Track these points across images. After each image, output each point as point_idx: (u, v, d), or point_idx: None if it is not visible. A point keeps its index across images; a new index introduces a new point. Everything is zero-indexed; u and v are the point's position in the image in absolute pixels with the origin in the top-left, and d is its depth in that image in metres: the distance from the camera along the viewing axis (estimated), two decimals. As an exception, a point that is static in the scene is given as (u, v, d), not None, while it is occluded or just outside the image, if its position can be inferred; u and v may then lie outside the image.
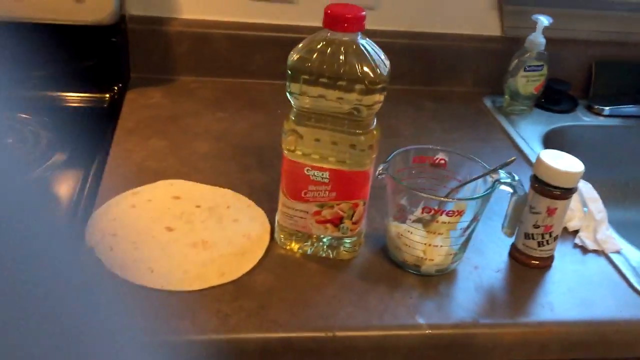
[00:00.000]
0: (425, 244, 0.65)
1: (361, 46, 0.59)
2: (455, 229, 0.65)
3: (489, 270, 0.69)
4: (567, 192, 0.66)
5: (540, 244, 0.69)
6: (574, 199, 0.74)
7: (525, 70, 1.02)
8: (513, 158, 0.65)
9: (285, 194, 0.66)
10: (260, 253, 0.67)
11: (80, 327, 0.24)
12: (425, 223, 0.65)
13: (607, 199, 0.81)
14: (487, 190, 0.64)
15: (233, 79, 1.04)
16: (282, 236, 0.69)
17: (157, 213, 0.71)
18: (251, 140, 0.89)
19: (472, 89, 1.11)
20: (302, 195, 0.65)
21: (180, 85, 1.02)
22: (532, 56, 1.02)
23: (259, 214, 0.73)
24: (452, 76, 1.10)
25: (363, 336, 0.60)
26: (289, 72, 0.60)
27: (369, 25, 0.61)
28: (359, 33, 0.59)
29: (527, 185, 0.67)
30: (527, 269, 0.70)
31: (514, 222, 0.68)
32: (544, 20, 0.99)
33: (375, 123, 0.63)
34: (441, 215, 0.63)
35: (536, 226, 0.68)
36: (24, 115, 0.88)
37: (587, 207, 0.78)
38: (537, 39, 1.01)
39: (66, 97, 0.95)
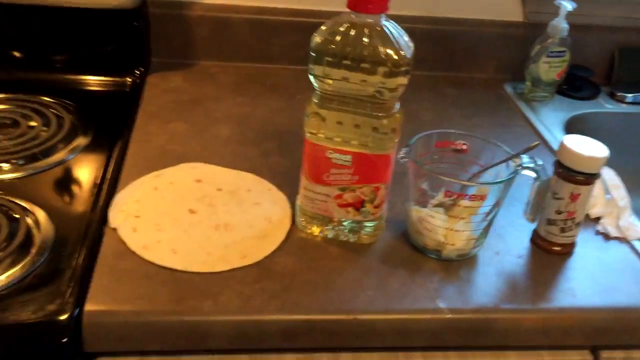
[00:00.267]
0: (446, 228, 0.65)
1: (385, 28, 0.58)
2: (477, 214, 0.64)
3: (510, 255, 0.69)
4: (590, 178, 0.66)
5: (562, 230, 0.68)
6: (597, 186, 0.73)
7: (547, 56, 1.01)
8: (537, 142, 0.65)
9: (307, 177, 0.66)
10: (281, 236, 0.68)
11: None
12: (446, 207, 0.65)
13: (630, 187, 0.80)
14: (509, 175, 0.64)
15: (253, 63, 1.04)
16: (303, 220, 0.69)
17: (179, 196, 0.72)
18: (272, 124, 0.89)
19: (493, 75, 1.10)
20: (324, 178, 0.65)
21: (200, 70, 1.02)
22: (554, 42, 1.00)
23: (280, 197, 0.73)
24: (472, 62, 1.09)
25: (384, 319, 0.60)
26: (312, 54, 0.59)
27: (389, 10, 0.61)
28: (383, 15, 0.59)
29: (549, 171, 0.67)
30: (548, 255, 0.69)
31: (536, 207, 0.68)
32: (567, 6, 0.98)
33: (398, 106, 0.63)
34: (463, 199, 0.63)
35: (559, 212, 0.67)
36: (47, 99, 0.89)
37: (609, 194, 0.78)
38: (560, 25, 0.99)
39: (88, 81, 0.95)
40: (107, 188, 0.72)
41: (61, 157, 0.77)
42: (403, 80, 0.59)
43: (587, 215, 0.75)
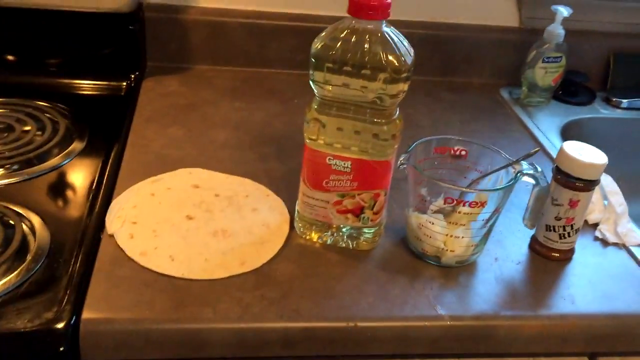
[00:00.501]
0: (446, 234, 0.65)
1: (386, 34, 0.58)
2: (476, 220, 0.64)
3: (509, 262, 0.69)
4: (590, 184, 0.66)
5: (561, 237, 0.68)
6: (595, 192, 0.73)
7: (543, 61, 1.01)
8: (537, 149, 0.65)
9: (306, 183, 0.66)
10: (280, 242, 0.67)
11: None
12: (446, 214, 0.65)
13: (626, 192, 0.81)
14: (509, 182, 0.64)
15: (249, 68, 1.04)
16: (301, 226, 0.68)
17: (176, 201, 0.71)
18: (269, 129, 0.89)
19: (489, 80, 1.10)
20: (324, 184, 0.64)
21: (196, 74, 1.02)
22: (550, 47, 1.01)
23: (278, 203, 0.73)
24: (469, 67, 1.09)
25: (385, 327, 0.60)
26: (313, 60, 0.59)
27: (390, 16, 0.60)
28: (384, 21, 0.59)
29: (547, 177, 0.67)
30: (547, 261, 0.69)
31: (535, 214, 0.68)
32: (563, 11, 0.98)
33: (398, 112, 0.63)
34: (463, 206, 0.63)
35: (558, 218, 0.67)
36: (41, 103, 0.88)
37: (607, 200, 0.78)
38: (556, 30, 1.00)
39: (83, 85, 0.95)
40: (103, 193, 0.71)
41: (56, 162, 0.77)
42: (404, 86, 0.59)
43: (585, 221, 0.75)
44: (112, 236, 0.65)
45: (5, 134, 0.81)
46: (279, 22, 1.02)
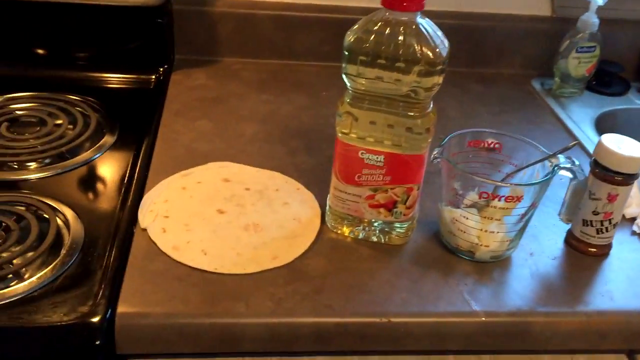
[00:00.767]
0: (480, 229, 0.64)
1: (420, 26, 0.57)
2: (511, 215, 0.63)
3: (545, 257, 0.68)
4: (629, 178, 0.64)
5: (599, 232, 0.67)
6: (634, 185, 0.71)
7: (577, 51, 0.99)
8: (575, 142, 0.64)
9: (338, 177, 0.65)
10: (311, 237, 0.67)
11: None
12: (480, 208, 0.64)
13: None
14: (546, 176, 0.62)
15: (277, 60, 1.04)
16: (333, 220, 0.68)
17: (207, 195, 0.71)
18: (297, 122, 0.88)
19: (520, 70, 1.08)
20: (356, 178, 0.64)
21: (224, 67, 1.01)
22: (584, 37, 0.98)
23: (309, 197, 0.73)
24: (499, 58, 1.08)
25: (418, 322, 0.59)
26: (346, 53, 0.58)
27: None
28: (418, 12, 0.58)
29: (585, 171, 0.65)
30: (584, 256, 0.68)
31: (572, 208, 0.66)
32: (598, 0, 0.96)
33: (432, 106, 0.62)
34: (498, 200, 0.61)
35: (595, 213, 0.66)
36: (72, 97, 0.88)
37: (644, 194, 0.76)
38: (590, 19, 0.97)
39: (112, 79, 0.95)
40: (135, 187, 0.72)
41: (88, 156, 0.77)
42: (438, 79, 0.58)
43: (622, 216, 0.73)
44: (144, 230, 0.65)
45: (38, 128, 0.81)
46: (306, 13, 1.02)
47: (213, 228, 0.66)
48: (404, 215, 0.65)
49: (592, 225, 0.66)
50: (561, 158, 0.63)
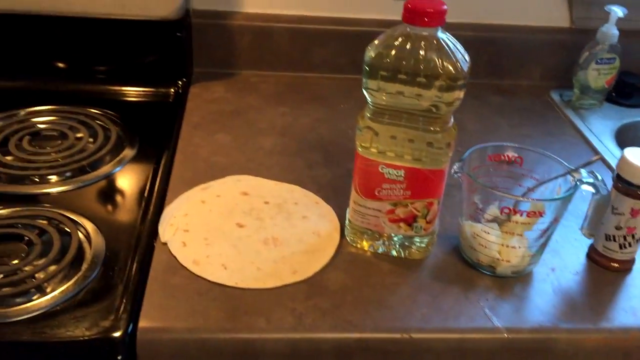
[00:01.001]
0: (501, 244, 0.63)
1: (441, 41, 0.57)
2: (532, 230, 0.63)
3: (567, 272, 0.67)
4: (653, 193, 0.63)
5: (621, 247, 0.66)
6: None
7: (596, 63, 0.98)
8: (598, 157, 0.63)
9: (357, 191, 0.65)
10: (331, 251, 0.67)
11: None
12: (500, 223, 0.63)
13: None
14: (568, 191, 0.62)
15: (294, 72, 1.04)
16: (352, 234, 0.68)
17: (226, 209, 0.71)
18: (315, 135, 0.89)
19: (538, 82, 1.08)
20: (376, 193, 0.63)
21: (242, 80, 1.02)
22: (604, 48, 0.98)
23: (328, 211, 0.73)
24: (518, 69, 1.07)
25: (440, 338, 0.59)
26: (366, 68, 0.58)
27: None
28: (439, 27, 0.58)
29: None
30: (606, 271, 0.67)
31: (594, 223, 0.66)
32: (618, 12, 0.95)
33: (452, 120, 0.61)
34: (520, 215, 0.61)
35: (618, 227, 0.65)
36: (92, 110, 0.89)
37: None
38: (610, 31, 0.97)
39: (131, 92, 0.96)
40: (155, 201, 0.72)
41: (109, 169, 0.78)
42: (459, 94, 0.58)
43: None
44: (165, 244, 0.66)
45: (59, 142, 0.82)
46: (323, 26, 1.02)
47: (233, 242, 0.66)
48: (424, 229, 0.65)
49: (614, 240, 0.66)
50: (583, 172, 0.62)
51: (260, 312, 0.58)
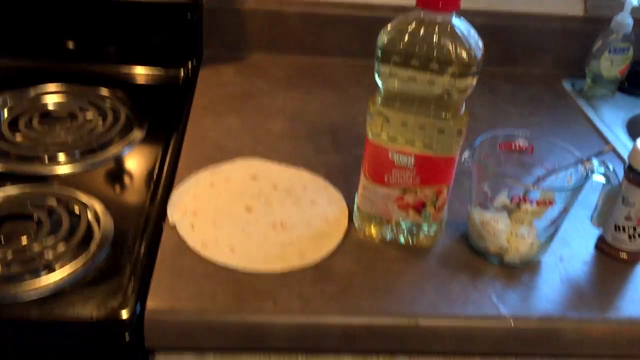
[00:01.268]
0: (510, 233, 0.63)
1: (455, 27, 0.57)
2: (541, 219, 0.62)
3: (575, 262, 0.67)
4: (664, 184, 0.63)
5: (631, 237, 0.65)
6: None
7: (610, 52, 0.97)
8: (609, 147, 0.62)
9: (367, 177, 0.65)
10: (339, 237, 0.67)
11: None
12: (510, 211, 0.63)
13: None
14: (579, 181, 0.61)
15: (305, 56, 1.03)
16: (360, 220, 0.68)
17: (235, 192, 0.71)
18: (325, 120, 0.88)
19: (550, 71, 1.07)
20: (385, 179, 0.63)
21: (252, 63, 1.01)
22: (617, 37, 0.97)
23: (336, 196, 0.72)
24: (529, 57, 1.06)
25: (446, 325, 0.59)
26: (379, 53, 0.58)
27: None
28: (454, 13, 0.57)
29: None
30: (615, 262, 0.67)
31: (604, 213, 0.65)
32: (633, 0, 0.94)
33: (464, 107, 0.61)
34: (530, 204, 0.61)
35: (628, 218, 0.65)
36: (102, 91, 0.89)
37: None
38: (625, 20, 0.96)
39: (141, 74, 0.96)
40: (164, 183, 0.72)
41: (118, 150, 0.78)
42: (472, 80, 0.57)
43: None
44: (173, 226, 0.66)
45: (69, 122, 0.82)
46: (334, 10, 1.01)
47: (241, 225, 0.66)
48: (433, 217, 0.65)
49: (624, 231, 0.65)
50: (595, 162, 0.62)
51: (268, 296, 0.59)
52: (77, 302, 0.57)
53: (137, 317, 0.56)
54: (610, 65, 0.98)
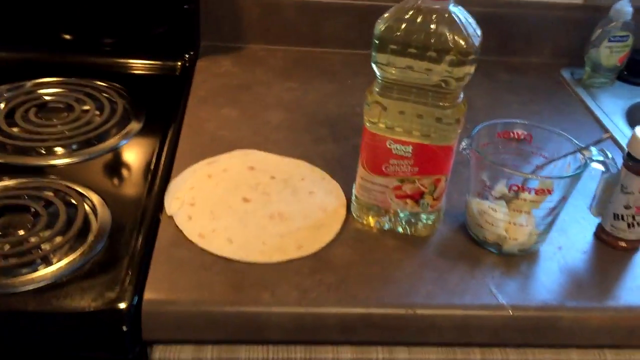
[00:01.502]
0: (508, 222, 0.63)
1: (453, 14, 0.56)
2: (540, 208, 0.62)
3: (574, 251, 0.67)
4: (664, 172, 0.62)
5: (630, 226, 0.65)
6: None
7: (609, 40, 0.97)
8: (608, 134, 0.62)
9: (364, 167, 0.64)
10: (337, 227, 0.66)
11: None
12: (508, 200, 0.63)
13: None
14: (577, 169, 0.61)
15: (302, 47, 1.03)
16: (358, 210, 0.68)
17: (233, 183, 0.71)
18: (323, 110, 0.88)
19: (549, 59, 1.06)
20: (383, 169, 0.63)
21: (249, 54, 1.01)
22: (617, 26, 0.96)
23: (334, 186, 0.72)
24: (528, 46, 1.06)
25: (444, 315, 0.59)
26: (376, 41, 0.57)
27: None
28: (451, 0, 0.56)
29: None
30: (614, 251, 0.67)
31: (603, 202, 0.65)
32: (632, -12, 0.93)
33: (462, 96, 0.61)
34: (528, 193, 0.60)
35: (627, 207, 0.64)
36: (100, 83, 0.89)
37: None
38: (624, 8, 0.95)
39: (138, 65, 0.95)
40: (161, 174, 0.72)
41: (115, 142, 0.77)
42: (470, 69, 0.57)
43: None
44: (171, 217, 0.65)
45: (66, 114, 0.82)
46: (332, 0, 1.00)
47: (239, 216, 0.66)
48: (431, 206, 0.65)
49: (623, 220, 0.65)
50: (594, 151, 0.61)
51: (265, 286, 0.59)
52: (75, 293, 0.56)
53: (135, 308, 0.56)
54: (610, 53, 0.98)
